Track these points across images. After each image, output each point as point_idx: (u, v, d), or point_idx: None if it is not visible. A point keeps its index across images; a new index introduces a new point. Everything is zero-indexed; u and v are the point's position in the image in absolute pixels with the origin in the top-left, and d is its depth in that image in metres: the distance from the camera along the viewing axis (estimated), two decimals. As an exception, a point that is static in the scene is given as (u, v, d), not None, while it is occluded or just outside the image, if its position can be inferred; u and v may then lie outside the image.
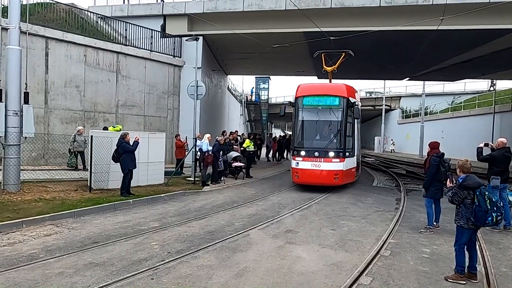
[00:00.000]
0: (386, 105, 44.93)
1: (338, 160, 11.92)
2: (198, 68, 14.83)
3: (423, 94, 34.68)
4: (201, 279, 4.74)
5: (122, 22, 17.39)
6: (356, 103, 12.84)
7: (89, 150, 10.40)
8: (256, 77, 48.73)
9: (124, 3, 19.29)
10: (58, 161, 13.85)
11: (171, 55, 18.24)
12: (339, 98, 12.34)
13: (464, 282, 4.84)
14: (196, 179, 13.09)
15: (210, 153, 12.94)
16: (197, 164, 14.07)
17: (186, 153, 14.79)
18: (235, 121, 36.00)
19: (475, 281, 4.89)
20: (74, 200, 8.96)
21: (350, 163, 12.64)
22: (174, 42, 18.36)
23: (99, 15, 17.81)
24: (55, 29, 14.14)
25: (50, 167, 13.07)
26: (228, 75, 31.29)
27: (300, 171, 12.24)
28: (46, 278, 4.64)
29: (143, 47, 17.13)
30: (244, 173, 15.28)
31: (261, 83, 49.53)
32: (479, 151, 8.00)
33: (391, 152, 41.74)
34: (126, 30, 17.25)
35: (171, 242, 6.31)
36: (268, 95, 50.45)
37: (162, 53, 17.86)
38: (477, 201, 4.76)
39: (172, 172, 13.16)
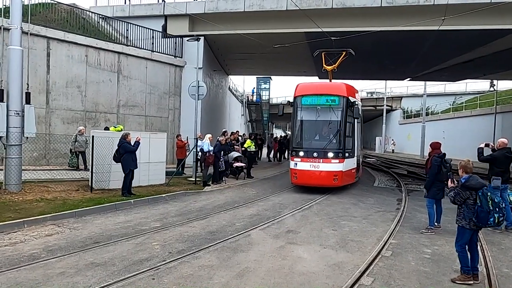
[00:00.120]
0: (387, 105, 44.90)
1: (337, 160, 11.68)
2: (199, 68, 14.85)
3: (424, 94, 34.65)
4: (202, 279, 4.74)
5: (123, 22, 17.43)
6: (356, 103, 12.62)
7: (91, 150, 10.41)
8: (257, 77, 48.76)
9: (125, 3, 19.31)
10: (60, 161, 13.87)
11: (172, 55, 18.26)
12: (339, 97, 12.11)
13: (472, 282, 4.82)
14: (197, 179, 13.10)
15: (211, 153, 12.93)
16: (198, 164, 14.07)
17: (187, 153, 14.80)
18: (236, 121, 36.02)
19: (477, 282, 4.87)
20: (76, 200, 8.97)
21: (350, 163, 12.42)
22: (175, 43, 18.37)
23: (100, 16, 17.85)
24: (56, 30, 14.17)
25: (51, 167, 13.10)
26: (229, 75, 31.33)
27: (298, 172, 12.02)
28: (48, 278, 4.65)
29: (144, 48, 17.15)
30: (245, 173, 15.27)
31: (262, 83, 49.56)
32: (480, 151, 7.99)
33: (392, 152, 41.73)
34: (127, 30, 17.28)
35: (172, 242, 6.31)
36: (269, 95, 50.49)
37: (163, 53, 17.88)
38: (479, 202, 4.75)
39: (173, 172, 13.17)
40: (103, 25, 17.78)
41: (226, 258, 5.60)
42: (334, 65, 14.29)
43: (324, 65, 14.49)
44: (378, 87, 59.21)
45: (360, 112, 12.77)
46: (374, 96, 52.25)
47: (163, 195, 10.46)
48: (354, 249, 6.23)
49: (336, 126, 12.07)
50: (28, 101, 9.69)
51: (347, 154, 12.03)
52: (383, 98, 45.32)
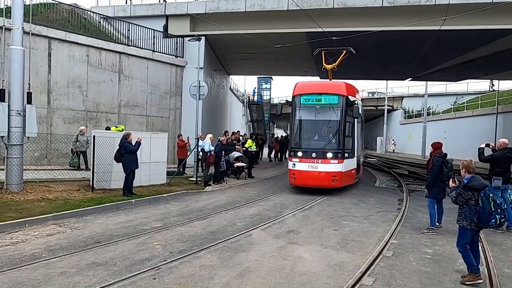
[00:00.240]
0: (388, 105, 44.86)
1: (336, 161, 11.43)
2: (200, 68, 14.84)
3: (425, 94, 34.62)
4: (203, 279, 4.75)
5: (124, 23, 17.46)
6: (356, 102, 12.34)
7: (92, 150, 10.43)
8: (258, 77, 48.80)
9: (126, 3, 19.35)
10: (61, 161, 13.89)
11: (174, 55, 18.28)
12: (338, 97, 11.85)
13: (482, 280, 4.80)
14: (198, 179, 13.11)
15: (212, 153, 12.94)
16: (199, 164, 14.08)
17: (188, 153, 14.80)
18: (237, 121, 36.03)
19: (479, 282, 4.86)
20: (77, 200, 8.98)
21: (350, 164, 12.16)
22: (177, 43, 18.39)
23: (101, 16, 17.87)
24: (58, 29, 14.19)
25: (52, 167, 13.11)
26: (230, 75, 31.35)
27: (296, 172, 11.77)
28: (49, 277, 4.66)
29: (146, 47, 17.17)
30: (246, 173, 15.28)
31: (263, 83, 49.60)
32: (481, 151, 7.99)
33: (393, 152, 41.70)
34: (128, 30, 17.30)
35: (173, 242, 6.32)
36: (270, 95, 50.55)
37: (164, 53, 17.90)
38: (481, 203, 4.73)
39: (174, 172, 13.18)
40: (104, 25, 17.80)
41: (227, 258, 5.60)
42: (334, 64, 14.08)
43: (324, 64, 14.28)
44: (379, 87, 59.30)
45: (360, 112, 12.49)
46: (375, 96, 52.25)
47: (164, 195, 10.47)
48: (355, 249, 6.23)
49: (335, 125, 11.84)
50: (29, 101, 9.71)
51: (346, 155, 11.80)
52: (384, 98, 45.28)
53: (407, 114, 45.35)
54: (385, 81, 43.58)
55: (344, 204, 10.28)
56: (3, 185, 9.35)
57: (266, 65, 27.92)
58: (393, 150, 42.69)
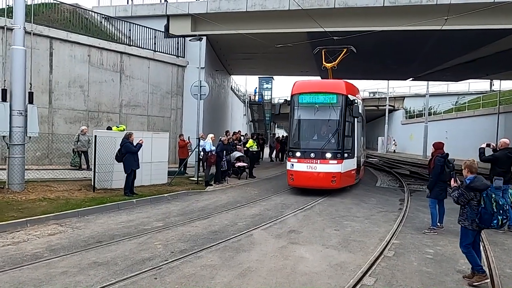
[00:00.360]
0: (389, 105, 44.81)
1: (335, 161, 11.19)
2: (201, 68, 14.84)
3: (427, 94, 34.57)
4: (204, 279, 4.75)
5: (125, 22, 17.48)
6: (356, 101, 12.07)
7: (93, 149, 10.44)
8: (259, 77, 48.81)
9: (128, 3, 19.36)
10: (62, 161, 13.91)
11: (175, 55, 18.28)
12: (337, 96, 11.57)
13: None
14: (199, 179, 13.12)
15: (214, 153, 12.94)
16: (200, 164, 14.08)
17: (189, 153, 14.81)
18: (238, 121, 36.04)
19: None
20: (78, 200, 8.99)
21: (349, 164, 11.91)
22: (178, 42, 18.40)
23: (103, 15, 17.90)
24: (59, 29, 14.21)
25: (54, 166, 13.13)
26: (232, 75, 31.35)
27: (295, 173, 11.56)
28: (50, 277, 4.66)
29: (147, 47, 17.18)
30: (247, 173, 15.29)
31: (265, 83, 49.62)
32: (481, 151, 7.98)
33: (393, 152, 41.67)
34: (129, 30, 17.33)
35: (175, 241, 6.32)
36: (271, 95, 50.58)
37: (165, 53, 17.91)
38: (483, 204, 4.70)
39: (175, 172, 13.19)
40: (105, 25, 17.83)
41: (228, 257, 5.60)
42: (334, 63, 13.90)
43: (324, 63, 14.13)
44: (380, 87, 59.37)
45: (360, 111, 12.22)
46: (377, 96, 52.23)
47: (165, 194, 10.48)
48: (356, 249, 6.22)
49: (334, 125, 11.60)
50: (31, 101, 9.74)
51: (346, 155, 11.55)
52: (386, 98, 45.21)
53: (408, 114, 45.31)
54: (386, 81, 43.54)
55: (345, 204, 10.27)
56: (5, 184, 9.37)
57: (267, 65, 27.93)
58: (394, 150, 42.65)
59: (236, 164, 14.77)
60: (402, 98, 47.81)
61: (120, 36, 17.36)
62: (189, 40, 15.58)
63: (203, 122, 16.13)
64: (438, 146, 7.94)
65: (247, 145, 16.83)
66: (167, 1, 18.77)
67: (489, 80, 29.57)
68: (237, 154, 15.05)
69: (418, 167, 22.93)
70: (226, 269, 5.11)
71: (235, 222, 7.86)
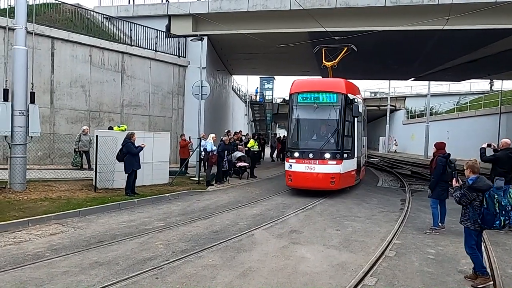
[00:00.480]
0: (391, 105, 44.75)
1: (334, 162, 10.94)
2: (202, 68, 14.85)
3: (428, 94, 34.51)
4: (206, 279, 4.75)
5: (127, 22, 17.49)
6: (356, 100, 11.80)
7: (94, 149, 10.45)
8: (260, 77, 48.75)
9: (129, 3, 19.36)
10: (64, 161, 13.93)
11: (176, 55, 18.30)
12: (337, 95, 11.34)
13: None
14: (200, 179, 13.12)
15: (215, 153, 12.94)
16: (202, 164, 14.09)
17: (191, 153, 14.82)
18: (240, 121, 36.04)
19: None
20: (80, 200, 9.01)
21: (349, 165, 11.67)
22: (179, 42, 18.41)
23: (104, 16, 17.92)
24: (61, 29, 14.23)
25: (55, 166, 13.16)
26: (233, 75, 31.35)
27: (293, 174, 11.32)
28: (52, 277, 4.67)
29: (148, 47, 17.20)
30: (248, 173, 15.29)
31: (266, 83, 49.56)
32: (482, 151, 7.97)
33: (394, 152, 41.62)
34: (131, 30, 17.35)
35: (176, 241, 6.33)
36: (272, 95, 50.51)
37: (167, 53, 17.92)
38: (486, 204, 4.69)
39: (176, 172, 13.20)
40: (107, 25, 17.85)
41: (229, 257, 5.60)
42: (334, 61, 13.71)
43: (324, 61, 13.94)
44: (381, 87, 59.30)
45: (360, 110, 11.95)
46: (378, 96, 52.09)
47: (167, 194, 10.49)
48: (357, 249, 6.22)
49: (333, 125, 11.34)
50: (32, 101, 9.74)
51: (345, 155, 11.32)
52: (387, 98, 45.14)
53: (409, 114, 45.25)
54: (388, 81, 43.50)
55: (346, 204, 10.27)
56: (7, 184, 9.39)
57: (269, 65, 27.92)
58: (395, 150, 42.58)
59: (237, 164, 14.78)
60: (404, 98, 47.74)
61: (122, 36, 17.38)
62: (191, 40, 15.59)
63: (204, 122, 16.14)
64: (440, 146, 7.93)
65: (249, 145, 16.84)
66: (168, 1, 18.78)
67: (489, 80, 29.48)
68: (238, 154, 15.06)
69: (419, 167, 22.90)
70: (227, 269, 5.11)
71: (236, 222, 7.86)
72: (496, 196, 4.69)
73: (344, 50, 13.75)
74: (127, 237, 6.47)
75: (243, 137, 18.82)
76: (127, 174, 9.95)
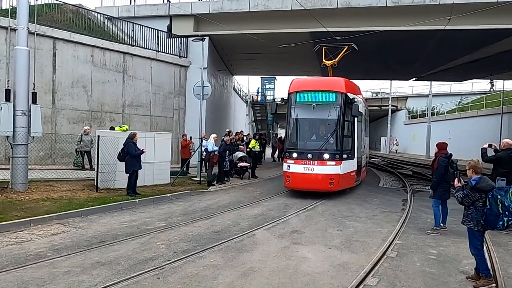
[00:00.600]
0: (392, 105, 44.69)
1: (333, 163, 10.66)
2: (204, 68, 14.86)
3: (429, 94, 34.46)
4: (207, 279, 4.75)
5: (128, 23, 17.51)
6: (356, 99, 11.52)
7: (96, 149, 10.47)
8: (261, 78, 48.83)
9: (130, 3, 19.41)
10: (65, 161, 13.96)
11: (177, 56, 18.31)
12: (336, 94, 11.04)
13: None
14: (201, 179, 13.13)
15: (216, 153, 12.95)
16: (203, 164, 14.09)
17: (192, 153, 14.83)
18: (241, 121, 36.06)
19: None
20: (81, 200, 9.02)
21: (349, 166, 11.39)
22: (180, 43, 18.43)
23: (106, 16, 17.94)
24: (62, 30, 14.26)
25: (57, 166, 13.18)
26: (234, 75, 31.34)
27: (291, 175, 11.03)
28: (53, 276, 4.68)
29: (150, 48, 17.22)
30: (249, 173, 15.28)
31: (267, 83, 49.64)
32: (484, 152, 7.96)
33: (395, 152, 41.57)
34: (132, 30, 17.37)
35: (177, 241, 6.33)
36: (273, 95, 50.57)
37: (168, 53, 17.94)
38: (489, 205, 4.66)
39: (178, 172, 13.20)
40: (108, 25, 17.87)
41: (230, 257, 5.60)
42: (334, 60, 13.51)
43: (324, 60, 13.72)
44: (383, 87, 59.21)
45: (360, 110, 11.73)
46: (379, 96, 52.03)
47: (168, 194, 10.49)
48: (359, 249, 6.21)
49: (333, 125, 11.05)
50: (34, 101, 9.76)
51: (345, 156, 11.04)
52: (388, 98, 45.09)
53: (411, 114, 45.19)
54: (389, 81, 43.47)
55: (348, 205, 10.26)
56: (9, 184, 9.41)
57: (270, 65, 27.92)
58: (396, 150, 42.53)
59: (238, 164, 14.78)
60: (405, 98, 47.68)
61: (123, 37, 17.40)
62: (192, 41, 15.60)
63: (206, 122, 16.15)
64: (442, 146, 7.91)
65: (250, 145, 16.84)
66: (170, 2, 18.82)
67: (489, 81, 29.40)
68: (239, 154, 15.06)
69: (421, 167, 22.86)
70: (228, 269, 5.11)
71: (238, 222, 7.86)
72: (499, 197, 4.66)
73: (345, 49, 13.65)
74: (129, 237, 6.47)
75: (244, 137, 18.82)
76: (128, 174, 9.97)
